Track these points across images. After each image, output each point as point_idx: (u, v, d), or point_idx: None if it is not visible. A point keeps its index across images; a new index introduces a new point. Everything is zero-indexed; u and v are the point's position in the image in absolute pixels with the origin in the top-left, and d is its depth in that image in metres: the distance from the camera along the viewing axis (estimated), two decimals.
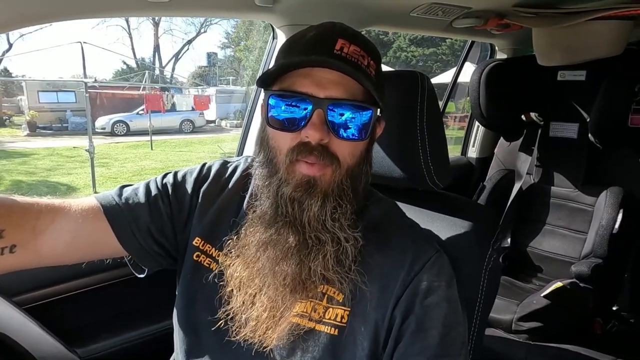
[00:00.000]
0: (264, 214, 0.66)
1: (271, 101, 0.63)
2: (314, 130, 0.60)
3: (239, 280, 0.68)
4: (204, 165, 0.82)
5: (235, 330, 0.67)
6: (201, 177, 0.79)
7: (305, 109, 0.61)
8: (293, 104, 0.62)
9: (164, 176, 0.79)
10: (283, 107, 0.62)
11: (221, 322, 0.69)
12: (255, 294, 0.67)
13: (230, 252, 0.70)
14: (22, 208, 0.67)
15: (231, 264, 0.69)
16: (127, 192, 0.75)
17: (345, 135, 0.62)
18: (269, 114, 0.64)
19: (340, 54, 0.62)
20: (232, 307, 0.68)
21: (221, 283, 0.70)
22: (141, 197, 0.74)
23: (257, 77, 0.67)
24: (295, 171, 0.63)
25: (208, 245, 0.74)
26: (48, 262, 0.70)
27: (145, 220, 0.73)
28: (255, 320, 0.66)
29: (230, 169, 0.81)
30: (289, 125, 0.63)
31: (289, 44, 0.68)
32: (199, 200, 0.76)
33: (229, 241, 0.70)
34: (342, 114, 0.62)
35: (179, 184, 0.78)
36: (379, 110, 0.66)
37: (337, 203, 0.64)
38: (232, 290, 0.68)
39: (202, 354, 0.72)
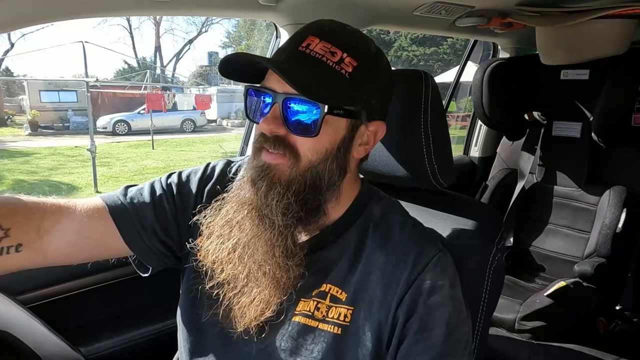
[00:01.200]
0: (234, 200, 0.69)
1: (246, 95, 0.68)
2: (264, 123, 0.63)
3: (225, 273, 0.68)
4: (208, 165, 0.82)
5: (233, 322, 0.68)
6: (205, 177, 0.79)
7: (267, 103, 0.65)
8: (260, 98, 0.66)
9: (169, 176, 0.79)
10: (253, 100, 0.67)
11: (221, 316, 0.69)
12: (234, 285, 0.68)
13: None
14: (27, 208, 0.67)
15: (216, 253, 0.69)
16: (132, 192, 0.76)
17: (296, 130, 0.63)
18: (245, 106, 0.69)
19: (304, 51, 0.63)
20: (226, 298, 0.68)
21: (217, 277, 0.70)
22: (146, 196, 0.75)
23: None
24: (259, 156, 0.66)
25: None
26: (53, 262, 0.70)
27: (150, 220, 0.73)
28: (247, 307, 0.66)
29: (234, 169, 0.81)
30: (256, 117, 0.67)
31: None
32: (204, 200, 0.76)
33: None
34: (294, 108, 0.63)
35: (183, 183, 0.78)
36: (357, 109, 0.65)
37: (282, 191, 0.64)
38: (222, 283, 0.69)
39: (205, 352, 0.72)
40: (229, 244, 0.67)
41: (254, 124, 0.68)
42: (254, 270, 0.66)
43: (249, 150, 1.45)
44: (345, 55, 0.63)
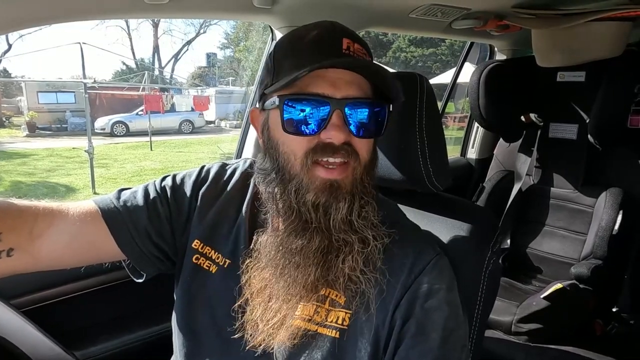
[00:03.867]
0: (286, 221, 0.64)
1: (285, 106, 0.62)
2: (336, 131, 0.60)
3: (255, 288, 0.67)
4: (202, 167, 0.82)
5: (238, 337, 0.67)
6: (200, 180, 0.79)
7: (323, 110, 0.61)
8: (310, 105, 0.61)
9: (163, 179, 0.79)
10: (298, 110, 0.61)
11: (225, 329, 0.68)
12: (269, 300, 0.66)
13: (246, 261, 0.68)
14: (19, 211, 0.67)
15: (248, 273, 0.68)
16: (125, 195, 0.75)
17: (364, 133, 0.63)
18: (283, 118, 0.62)
19: (349, 53, 0.62)
20: (245, 317, 0.67)
21: (230, 293, 0.69)
22: (140, 200, 0.74)
23: (256, 82, 0.67)
24: (314, 176, 0.62)
25: (207, 247, 0.74)
26: (46, 266, 0.70)
27: (143, 223, 0.73)
28: (263, 324, 0.66)
29: (229, 171, 0.81)
30: (306, 127, 0.62)
31: (290, 45, 0.67)
32: (198, 203, 0.76)
33: (244, 251, 0.70)
34: (359, 113, 0.62)
35: (177, 186, 0.78)
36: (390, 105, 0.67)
37: (364, 201, 0.64)
38: (248, 298, 0.68)
39: (202, 357, 0.71)
40: (286, 272, 0.64)
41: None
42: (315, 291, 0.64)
43: (245, 151, 1.46)
44: (368, 56, 0.66)
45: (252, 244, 0.69)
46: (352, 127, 0.62)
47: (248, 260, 0.68)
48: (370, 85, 0.64)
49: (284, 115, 0.62)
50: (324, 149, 0.61)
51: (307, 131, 0.61)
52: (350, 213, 0.62)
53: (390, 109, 0.65)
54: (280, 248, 0.64)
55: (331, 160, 0.61)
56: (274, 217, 0.68)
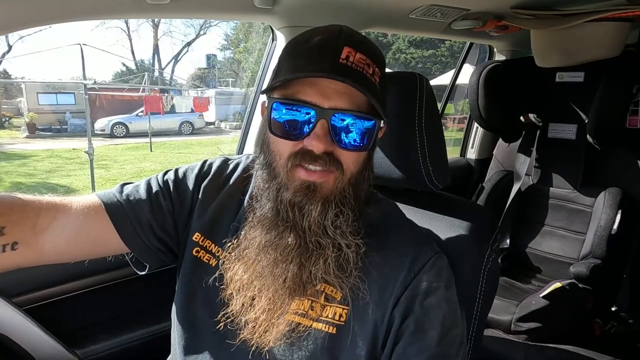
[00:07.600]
0: (265, 218, 0.66)
1: (274, 108, 0.63)
2: (317, 141, 0.61)
3: (239, 282, 0.68)
4: (205, 162, 0.82)
5: (234, 332, 0.68)
6: (202, 173, 0.79)
7: (308, 118, 0.61)
8: (297, 111, 0.62)
9: (165, 173, 0.79)
10: (286, 115, 0.62)
11: (220, 325, 0.69)
12: (255, 296, 0.67)
13: (231, 255, 0.70)
14: (22, 205, 0.67)
15: (231, 267, 0.69)
16: (128, 189, 0.76)
17: (348, 145, 0.63)
18: (272, 120, 0.64)
19: (346, 64, 0.61)
20: (232, 310, 0.68)
21: (222, 287, 0.70)
22: (142, 193, 0.75)
23: (257, 82, 0.68)
24: (294, 176, 0.63)
25: (208, 241, 0.75)
26: (50, 260, 0.70)
27: (146, 217, 0.73)
28: (254, 322, 0.66)
29: (231, 166, 0.81)
30: (291, 132, 0.63)
31: (294, 46, 0.67)
32: (200, 196, 0.77)
33: (229, 244, 0.71)
34: (345, 125, 0.62)
35: (180, 180, 0.78)
36: (382, 120, 0.67)
37: (339, 210, 0.64)
38: (232, 292, 0.68)
39: (200, 350, 0.72)
40: (260, 268, 0.66)
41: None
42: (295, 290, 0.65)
43: (247, 149, 1.46)
44: (375, 66, 0.64)
45: (238, 238, 0.71)
46: (336, 138, 0.62)
47: (233, 253, 0.69)
48: (366, 98, 0.62)
49: (272, 118, 0.63)
50: (304, 156, 0.62)
51: (292, 136, 0.63)
52: (324, 218, 0.63)
53: (382, 125, 0.64)
54: (259, 241, 0.66)
55: (311, 167, 0.62)
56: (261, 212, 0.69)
